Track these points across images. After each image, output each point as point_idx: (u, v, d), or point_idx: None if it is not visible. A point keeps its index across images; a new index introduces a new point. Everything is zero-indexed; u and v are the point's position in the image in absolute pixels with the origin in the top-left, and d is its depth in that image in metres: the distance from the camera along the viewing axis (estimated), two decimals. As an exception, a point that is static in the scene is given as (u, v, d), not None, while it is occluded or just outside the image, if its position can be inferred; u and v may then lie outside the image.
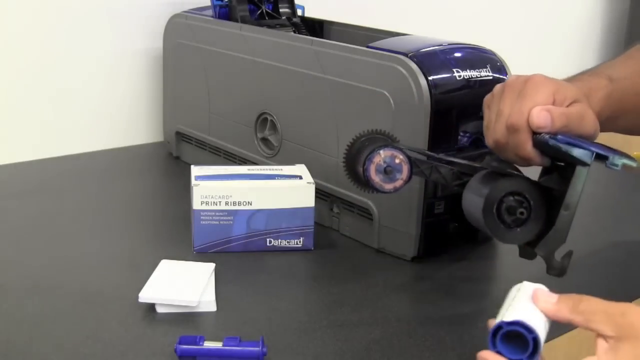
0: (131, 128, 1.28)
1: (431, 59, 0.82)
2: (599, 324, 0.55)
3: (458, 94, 0.82)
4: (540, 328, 0.57)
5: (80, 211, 0.98)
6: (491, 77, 0.83)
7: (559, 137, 0.66)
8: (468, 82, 0.82)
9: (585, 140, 0.68)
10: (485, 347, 0.56)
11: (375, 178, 0.70)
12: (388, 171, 0.70)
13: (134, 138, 1.28)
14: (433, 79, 0.80)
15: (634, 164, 0.66)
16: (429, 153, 0.76)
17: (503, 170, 0.69)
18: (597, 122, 0.70)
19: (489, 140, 0.70)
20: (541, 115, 0.66)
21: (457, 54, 0.84)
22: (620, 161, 0.65)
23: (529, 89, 0.68)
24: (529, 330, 0.56)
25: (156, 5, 1.24)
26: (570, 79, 0.76)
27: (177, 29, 1.15)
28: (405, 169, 0.70)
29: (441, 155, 0.74)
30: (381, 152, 0.69)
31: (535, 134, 0.67)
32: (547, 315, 0.58)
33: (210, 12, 1.11)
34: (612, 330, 0.54)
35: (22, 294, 0.75)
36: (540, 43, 1.98)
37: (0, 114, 1.14)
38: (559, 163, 0.69)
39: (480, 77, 0.83)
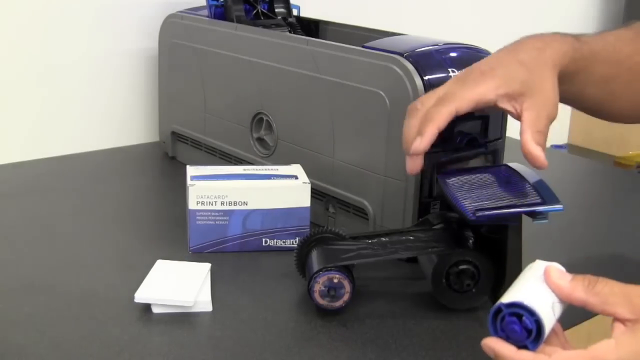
0: (127, 128, 1.27)
1: (427, 59, 0.82)
2: (617, 306, 0.52)
3: (454, 93, 0.82)
4: (547, 310, 0.53)
5: (76, 211, 0.98)
6: (487, 77, 0.83)
7: None
8: (464, 81, 0.82)
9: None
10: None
11: (323, 302, 0.72)
12: (331, 292, 0.72)
13: (130, 138, 1.28)
14: (428, 79, 0.80)
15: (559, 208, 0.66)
16: (371, 234, 0.77)
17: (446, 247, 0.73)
18: (554, 99, 0.69)
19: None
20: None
21: (453, 54, 0.84)
22: (547, 214, 0.66)
23: (470, 80, 0.69)
24: (531, 312, 0.52)
25: (151, 5, 1.24)
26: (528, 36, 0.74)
27: (172, 29, 1.15)
28: (346, 283, 0.72)
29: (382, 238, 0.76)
30: (318, 279, 0.71)
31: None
32: (560, 296, 0.54)
33: (205, 12, 1.11)
34: (630, 313, 0.52)
35: (18, 294, 0.75)
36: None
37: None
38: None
39: (476, 76, 0.83)
